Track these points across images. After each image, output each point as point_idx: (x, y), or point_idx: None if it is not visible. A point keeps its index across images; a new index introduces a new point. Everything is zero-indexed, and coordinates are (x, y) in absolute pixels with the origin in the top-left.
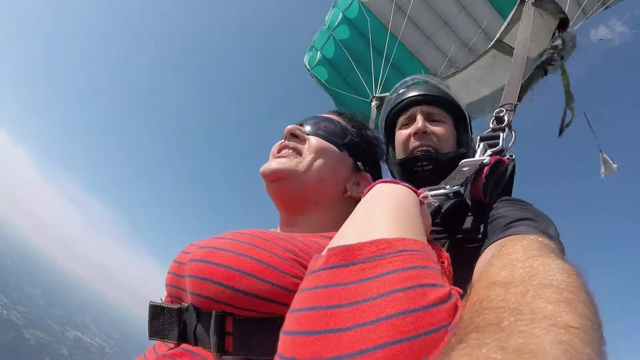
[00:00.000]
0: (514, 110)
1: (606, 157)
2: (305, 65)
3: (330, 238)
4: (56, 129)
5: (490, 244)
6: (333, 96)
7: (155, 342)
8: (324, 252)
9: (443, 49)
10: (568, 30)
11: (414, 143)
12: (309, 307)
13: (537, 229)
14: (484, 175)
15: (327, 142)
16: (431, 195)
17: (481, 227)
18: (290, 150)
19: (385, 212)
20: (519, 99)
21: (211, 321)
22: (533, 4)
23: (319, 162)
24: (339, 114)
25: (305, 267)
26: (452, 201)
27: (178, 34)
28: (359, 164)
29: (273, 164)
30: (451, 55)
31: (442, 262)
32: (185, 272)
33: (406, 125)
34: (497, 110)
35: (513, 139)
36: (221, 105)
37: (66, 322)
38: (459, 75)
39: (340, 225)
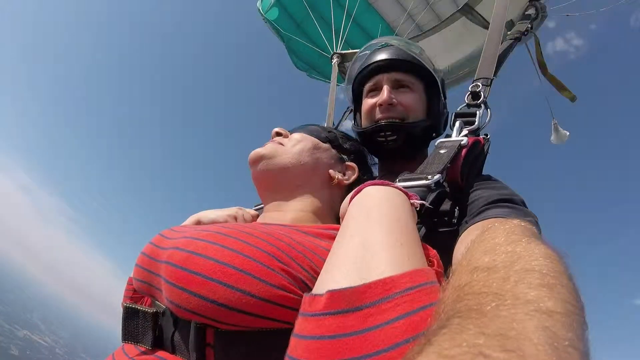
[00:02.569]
0: (490, 85)
1: (557, 124)
2: (259, 10)
3: (320, 237)
4: (14, 113)
5: (469, 226)
6: (287, 45)
7: (124, 344)
8: (322, 292)
9: (403, 2)
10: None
11: (378, 114)
12: None
13: (517, 211)
14: (462, 158)
15: (308, 135)
16: (411, 187)
17: (456, 210)
18: (272, 141)
19: (385, 234)
20: (495, 73)
21: (190, 332)
22: None
23: (298, 146)
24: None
25: (294, 278)
26: (434, 194)
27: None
28: (344, 157)
29: (257, 149)
30: (411, 10)
31: (431, 262)
32: (160, 271)
33: (372, 92)
34: (473, 84)
35: (489, 116)
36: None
37: (15, 321)
38: (424, 41)
39: (327, 214)
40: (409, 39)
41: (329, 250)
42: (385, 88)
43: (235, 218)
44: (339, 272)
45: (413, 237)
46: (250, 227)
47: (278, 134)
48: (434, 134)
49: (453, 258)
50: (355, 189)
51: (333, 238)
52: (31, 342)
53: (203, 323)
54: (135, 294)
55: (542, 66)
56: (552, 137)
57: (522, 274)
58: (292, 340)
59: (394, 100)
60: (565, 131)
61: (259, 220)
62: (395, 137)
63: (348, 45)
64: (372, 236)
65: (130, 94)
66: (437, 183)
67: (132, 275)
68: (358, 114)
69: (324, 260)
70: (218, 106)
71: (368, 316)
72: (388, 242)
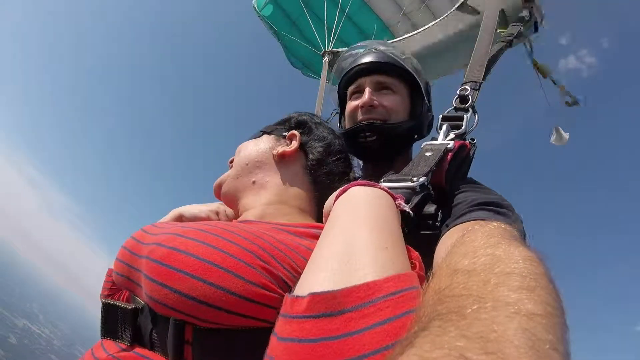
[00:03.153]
0: (479, 89)
1: (559, 127)
2: (254, 7)
3: (303, 236)
4: (25, 111)
5: (450, 228)
6: (282, 42)
7: (93, 346)
8: (304, 293)
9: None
10: (534, 1)
11: (360, 116)
12: None
13: (498, 214)
14: (447, 162)
15: (246, 142)
16: (396, 188)
17: (439, 213)
18: None
19: (370, 235)
20: (484, 76)
21: (169, 328)
22: None
23: (239, 155)
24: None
25: (274, 276)
26: (419, 196)
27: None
28: (284, 134)
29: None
30: (407, 8)
31: (414, 264)
32: (140, 266)
33: (355, 95)
34: (461, 87)
35: (476, 121)
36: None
37: (15, 310)
38: (417, 36)
39: (293, 194)
40: (403, 38)
41: (311, 250)
42: (367, 90)
43: (217, 213)
44: (322, 274)
45: (398, 240)
46: (232, 225)
47: (231, 162)
48: (416, 136)
49: (434, 261)
50: (341, 189)
51: (316, 237)
52: (30, 332)
53: (182, 320)
54: (113, 286)
55: (540, 68)
56: (553, 138)
57: (502, 277)
58: (272, 340)
59: (375, 101)
60: (566, 134)
61: (238, 220)
62: (374, 137)
63: (342, 44)
64: (356, 237)
65: (142, 94)
66: (422, 185)
67: (112, 268)
68: (343, 117)
69: (306, 260)
70: (216, 104)
71: (349, 320)
72: (373, 245)
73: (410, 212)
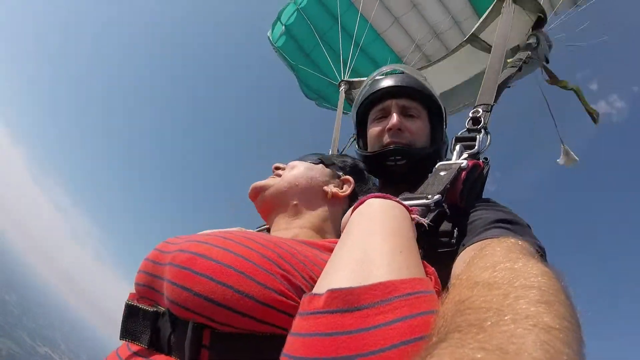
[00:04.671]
0: (490, 111)
1: (568, 148)
2: (269, 39)
3: (321, 249)
4: (58, 134)
5: (469, 245)
6: (297, 74)
7: (119, 347)
8: (322, 291)
9: (411, 32)
10: (542, 30)
11: (387, 139)
12: (313, 359)
13: (515, 231)
14: (461, 180)
15: (302, 161)
16: (412, 206)
17: (455, 231)
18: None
19: (386, 241)
20: (496, 99)
21: (187, 332)
22: (514, 1)
23: (292, 172)
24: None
25: (293, 285)
26: (434, 213)
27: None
28: (339, 172)
29: (255, 183)
30: (419, 40)
31: (430, 279)
32: (163, 274)
33: (380, 118)
34: (473, 110)
35: (488, 141)
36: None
37: (37, 337)
38: (431, 68)
39: (327, 230)
40: (417, 68)
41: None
42: (395, 114)
43: None
44: (341, 273)
45: (412, 248)
46: (253, 233)
47: (277, 168)
48: (438, 161)
49: (451, 275)
50: (359, 201)
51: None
52: None
53: (200, 323)
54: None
55: (562, 84)
56: (561, 159)
57: (522, 291)
58: (289, 339)
59: (403, 125)
60: (575, 156)
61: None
62: (404, 161)
63: (356, 74)
64: (373, 242)
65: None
66: (437, 203)
67: (134, 282)
68: (361, 139)
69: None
70: (230, 136)
71: (367, 317)
72: (389, 249)
73: (425, 223)
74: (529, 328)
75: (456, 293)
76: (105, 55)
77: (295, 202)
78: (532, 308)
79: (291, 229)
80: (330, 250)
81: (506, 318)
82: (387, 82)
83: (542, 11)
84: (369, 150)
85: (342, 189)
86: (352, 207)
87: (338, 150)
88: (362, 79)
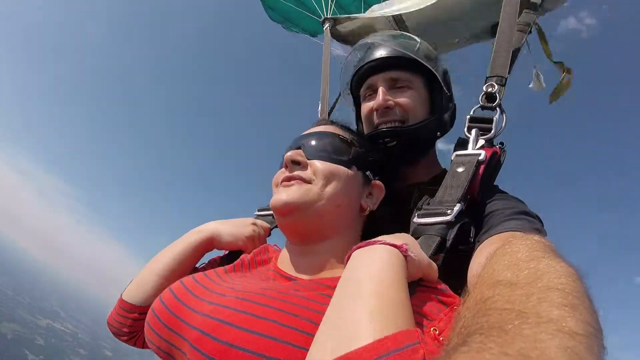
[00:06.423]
0: (505, 84)
1: (539, 72)
2: None
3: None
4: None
5: (487, 238)
6: (277, 11)
7: None
8: None
9: None
10: None
11: (376, 120)
12: None
13: (530, 223)
14: (480, 176)
15: (333, 164)
16: (431, 224)
17: (472, 228)
18: (295, 180)
19: (367, 318)
20: (509, 70)
21: None
22: None
23: (330, 187)
24: (332, 122)
25: None
26: (455, 229)
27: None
28: (368, 173)
29: (283, 195)
30: None
31: (433, 321)
32: (188, 336)
33: (369, 96)
34: (487, 84)
35: (504, 121)
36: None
37: (36, 311)
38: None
39: (352, 239)
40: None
41: None
42: (380, 90)
43: (253, 239)
44: (320, 348)
45: (398, 302)
46: (283, 296)
47: (294, 163)
48: (438, 133)
49: (469, 270)
50: (347, 254)
51: None
52: (54, 331)
53: None
54: (133, 328)
55: (549, 56)
56: (532, 84)
57: (545, 292)
58: None
59: (391, 102)
60: (543, 84)
61: (283, 262)
62: (394, 142)
63: (342, 10)
64: (354, 316)
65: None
66: (459, 215)
67: (147, 322)
68: (360, 120)
69: None
70: (211, 95)
71: None
72: (368, 314)
73: (412, 256)
74: (553, 333)
75: (478, 292)
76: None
77: (332, 226)
78: (555, 311)
79: (320, 257)
80: None
81: (529, 321)
82: (369, 57)
83: None
84: (365, 132)
85: (372, 196)
86: (345, 262)
87: (328, 105)
88: (349, 15)
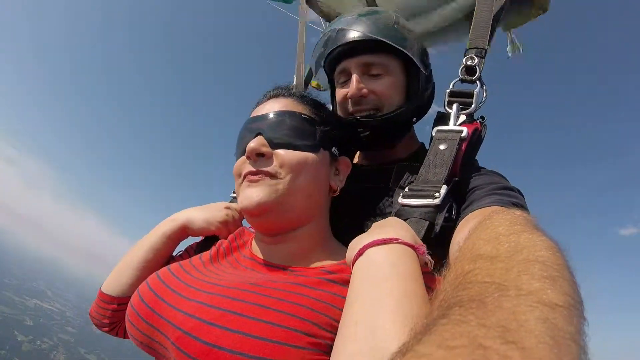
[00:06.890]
0: (484, 56)
1: (514, 37)
2: None
3: (336, 282)
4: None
5: (468, 213)
6: None
7: None
8: None
9: None
10: None
11: (350, 108)
12: None
13: (511, 198)
14: (462, 153)
15: (300, 152)
16: (419, 206)
17: (454, 205)
18: (261, 175)
19: (393, 321)
20: (489, 41)
21: None
22: None
23: (299, 180)
24: (290, 94)
25: (321, 346)
26: (443, 212)
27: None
28: (334, 150)
29: (253, 196)
30: None
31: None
32: (169, 334)
33: (343, 82)
34: (467, 57)
35: (485, 94)
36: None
37: (23, 291)
38: None
39: (328, 232)
40: None
41: (343, 298)
42: (354, 78)
43: (227, 224)
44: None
45: (420, 304)
46: (265, 290)
47: (259, 155)
48: (415, 119)
49: (451, 245)
50: (358, 251)
51: (346, 282)
52: (42, 310)
53: None
54: (114, 319)
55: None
56: (508, 48)
57: (526, 265)
58: None
59: (364, 90)
60: (520, 47)
61: (257, 248)
62: (368, 132)
63: None
64: (379, 323)
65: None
66: (445, 197)
67: (127, 316)
68: (335, 101)
69: (340, 310)
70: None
71: None
72: (397, 333)
73: (431, 262)
74: (533, 305)
75: (459, 266)
76: None
77: (306, 215)
78: (536, 283)
79: (293, 245)
80: (341, 280)
81: (509, 293)
82: (341, 39)
83: None
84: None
85: (339, 174)
86: (353, 258)
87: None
88: None
